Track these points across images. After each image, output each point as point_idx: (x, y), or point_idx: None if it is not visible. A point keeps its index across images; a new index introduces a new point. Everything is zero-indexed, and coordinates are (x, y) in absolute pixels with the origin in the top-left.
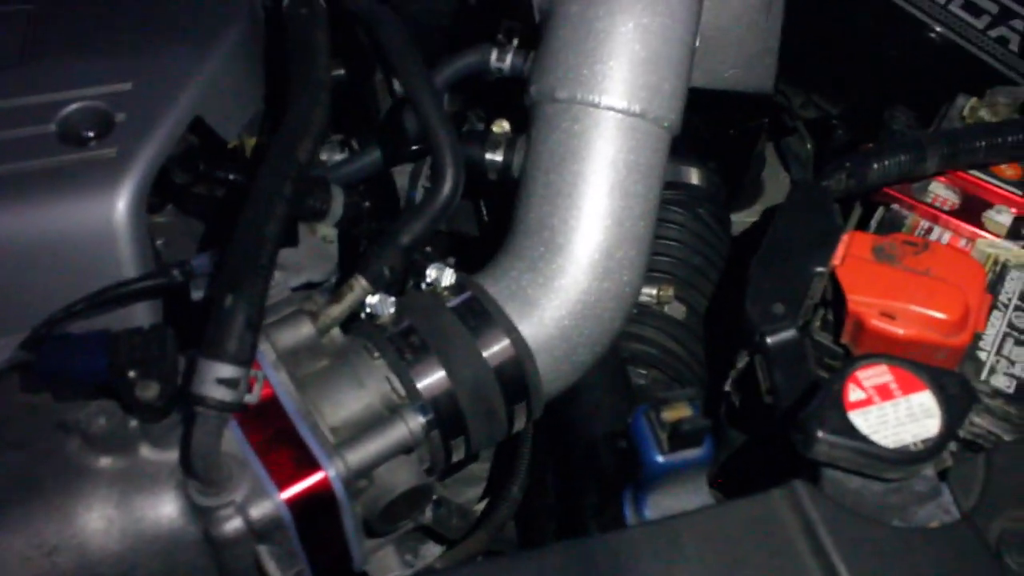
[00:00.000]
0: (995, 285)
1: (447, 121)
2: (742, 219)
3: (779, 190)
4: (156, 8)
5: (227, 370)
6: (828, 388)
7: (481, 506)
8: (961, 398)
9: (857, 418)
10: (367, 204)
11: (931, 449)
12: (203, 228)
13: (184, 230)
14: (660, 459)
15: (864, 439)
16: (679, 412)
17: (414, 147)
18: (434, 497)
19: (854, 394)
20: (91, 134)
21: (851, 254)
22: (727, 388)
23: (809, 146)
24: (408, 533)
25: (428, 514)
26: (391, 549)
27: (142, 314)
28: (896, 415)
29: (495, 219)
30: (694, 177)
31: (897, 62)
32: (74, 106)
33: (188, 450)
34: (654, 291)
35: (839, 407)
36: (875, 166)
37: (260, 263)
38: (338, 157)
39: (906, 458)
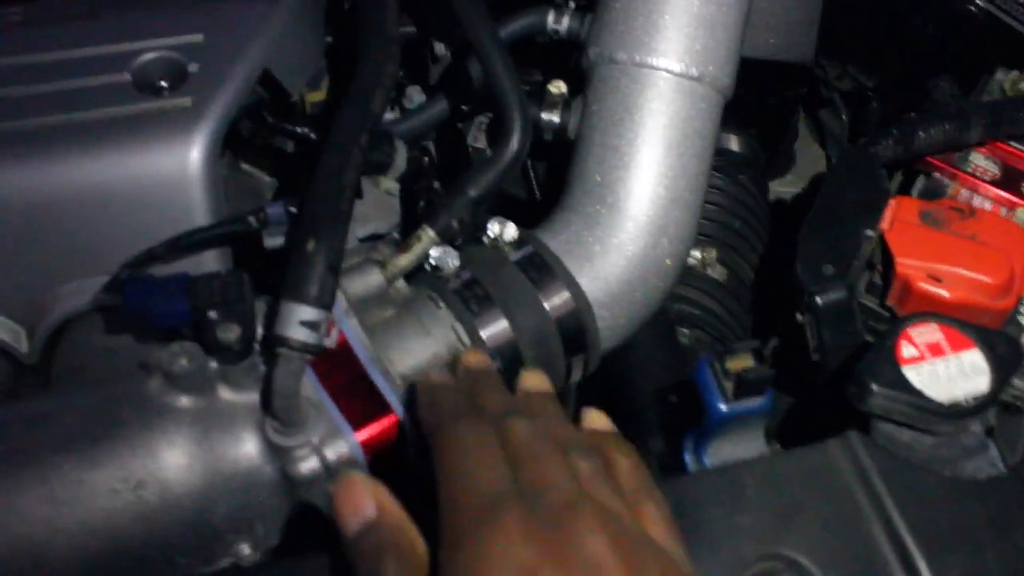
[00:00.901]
0: None
1: (516, 77)
2: (774, 187)
3: (810, 160)
4: None
5: (309, 312)
6: (881, 344)
7: None
8: (1010, 357)
9: (910, 373)
10: (427, 160)
11: (981, 404)
12: (259, 179)
13: (239, 181)
14: (724, 407)
15: (917, 393)
16: (743, 362)
17: (478, 103)
18: None
19: (906, 350)
20: (165, 84)
21: (899, 218)
22: (769, 348)
23: (844, 118)
24: None
25: None
26: None
27: (211, 261)
28: (947, 371)
29: (547, 180)
30: (734, 144)
31: (936, 35)
32: (149, 56)
33: (269, 390)
34: (698, 253)
35: (892, 362)
36: (921, 134)
37: (340, 209)
38: (389, 115)
39: (957, 412)
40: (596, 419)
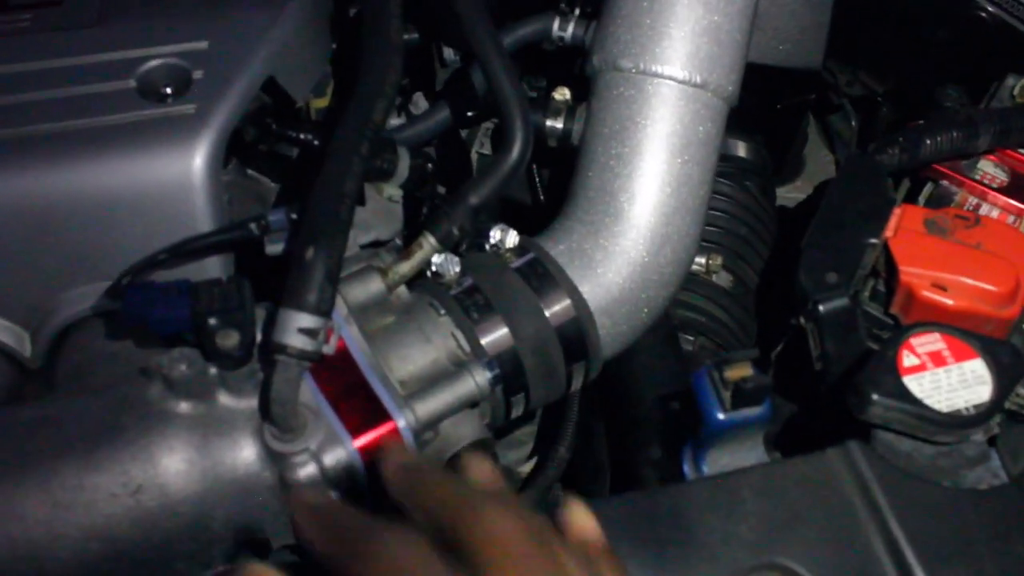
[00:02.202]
0: None
1: (518, 84)
2: (783, 194)
3: (820, 166)
4: None
5: (308, 320)
6: (883, 354)
7: (525, 468)
8: (1012, 366)
9: (911, 383)
10: (431, 166)
11: (983, 414)
12: (265, 185)
13: (245, 187)
14: (721, 416)
15: (918, 403)
16: (741, 371)
17: (481, 110)
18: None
19: (908, 360)
20: (169, 90)
21: (903, 226)
22: (774, 355)
23: (854, 123)
24: None
25: None
26: None
27: (213, 267)
28: (949, 381)
29: (550, 187)
30: (741, 150)
31: (947, 41)
32: (153, 63)
33: (267, 397)
34: (703, 260)
35: (894, 372)
36: (928, 142)
37: (340, 218)
38: (395, 122)
39: (959, 422)
40: (580, 519)
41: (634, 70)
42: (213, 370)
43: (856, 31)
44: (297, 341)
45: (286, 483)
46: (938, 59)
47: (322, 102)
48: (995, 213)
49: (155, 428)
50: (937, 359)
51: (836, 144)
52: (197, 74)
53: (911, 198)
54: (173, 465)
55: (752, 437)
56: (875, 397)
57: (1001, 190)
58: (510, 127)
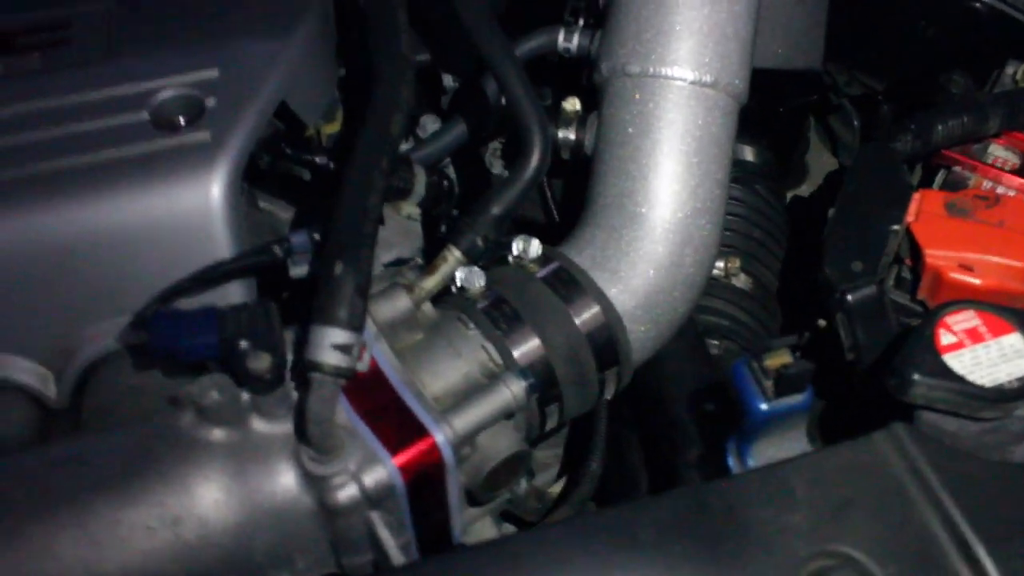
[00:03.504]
0: None
1: (534, 94)
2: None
3: (823, 171)
4: None
5: (341, 335)
6: (919, 334)
7: (556, 487)
8: None
9: (952, 360)
10: (447, 184)
11: None
12: (277, 217)
13: (258, 220)
14: (764, 407)
15: (961, 379)
16: (781, 358)
17: (493, 126)
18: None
19: (945, 338)
20: (183, 120)
21: (924, 211)
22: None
23: (855, 123)
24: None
25: (523, 484)
26: (488, 521)
27: (235, 293)
28: (988, 356)
29: (565, 199)
30: (749, 154)
31: (942, 34)
32: (165, 93)
33: (303, 418)
34: (722, 264)
35: (933, 351)
36: (939, 127)
37: (365, 232)
38: (404, 146)
39: (1003, 395)
40: None
41: (643, 74)
42: (245, 396)
43: (853, 30)
44: (331, 358)
45: (326, 507)
46: (936, 52)
47: (332, 127)
48: (1011, 194)
49: (189, 458)
50: (974, 336)
51: (838, 147)
52: (210, 102)
53: (923, 186)
54: (210, 495)
55: (796, 427)
56: (917, 377)
57: (1015, 172)
58: (528, 136)
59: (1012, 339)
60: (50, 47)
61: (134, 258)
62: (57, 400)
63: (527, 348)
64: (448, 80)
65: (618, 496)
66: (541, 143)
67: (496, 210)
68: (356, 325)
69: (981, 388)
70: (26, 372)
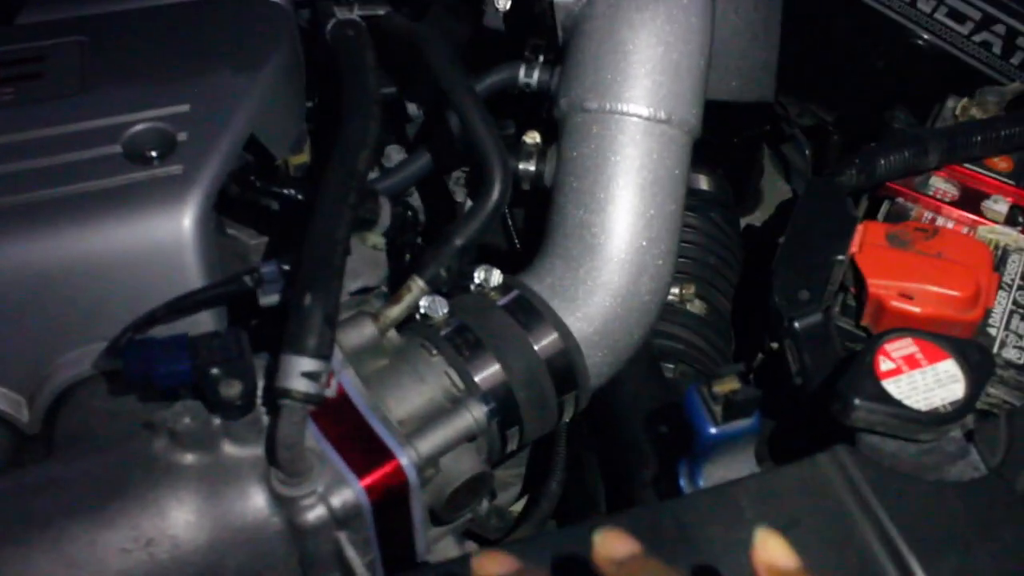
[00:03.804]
0: (998, 267)
1: (494, 130)
2: (745, 224)
3: (777, 197)
4: (204, 33)
5: (310, 364)
6: (860, 360)
7: (516, 506)
8: (982, 364)
9: (890, 385)
10: (411, 214)
11: (959, 410)
12: (244, 243)
13: (225, 245)
14: (713, 430)
15: (898, 404)
16: (730, 385)
17: (456, 157)
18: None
19: (884, 364)
20: (155, 153)
21: (867, 242)
22: (751, 375)
23: (807, 152)
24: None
25: (486, 504)
26: (451, 540)
27: (205, 321)
28: (924, 381)
29: (527, 229)
30: (704, 183)
31: (888, 69)
32: (138, 127)
33: (274, 442)
34: (677, 290)
35: (873, 376)
36: (882, 162)
37: (334, 264)
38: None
39: (938, 419)
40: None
41: (600, 110)
42: (216, 421)
43: (803, 64)
44: (301, 385)
45: (295, 527)
46: (882, 86)
47: (300, 158)
48: (950, 225)
49: (163, 481)
50: (911, 362)
51: (791, 174)
52: (181, 136)
53: (869, 216)
54: (183, 516)
55: (744, 449)
56: (858, 402)
57: (953, 203)
58: (489, 170)
59: (947, 365)
60: (23, 80)
61: (107, 287)
62: (29, 425)
63: (488, 374)
64: (413, 109)
65: (578, 514)
66: (501, 178)
67: (459, 241)
68: (325, 354)
69: (917, 412)
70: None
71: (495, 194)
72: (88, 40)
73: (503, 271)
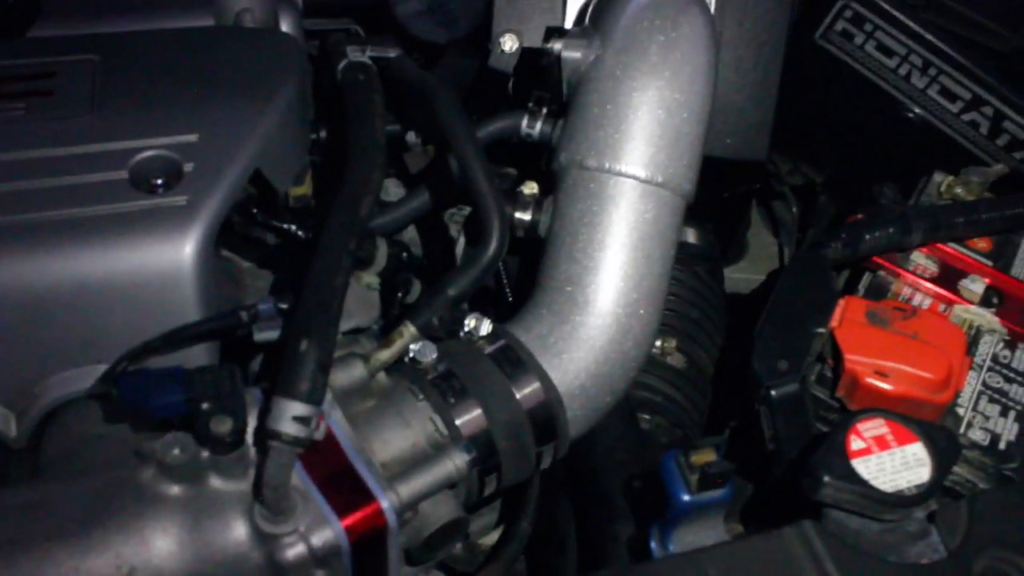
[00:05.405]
0: (970, 348)
1: (495, 184)
2: (729, 274)
3: (762, 249)
4: (215, 61)
5: (301, 408)
6: (832, 438)
7: (487, 538)
8: (949, 449)
9: (859, 465)
10: (405, 255)
11: (924, 494)
12: (238, 265)
13: (219, 267)
14: (687, 498)
15: (865, 484)
16: (706, 456)
17: (454, 197)
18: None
19: (855, 443)
20: (160, 181)
21: (847, 317)
22: (727, 433)
23: (795, 210)
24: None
25: (458, 546)
26: None
27: (200, 352)
28: (892, 463)
29: (518, 273)
30: (691, 237)
31: (879, 137)
32: (145, 154)
33: (260, 480)
34: (659, 343)
35: (843, 455)
36: (867, 237)
37: (331, 311)
38: None
39: (902, 501)
40: None
41: (599, 169)
42: (205, 454)
43: (798, 126)
44: (291, 428)
45: (274, 563)
46: (871, 153)
47: (301, 189)
48: (927, 302)
49: (148, 511)
50: (881, 443)
51: (778, 228)
52: (188, 167)
53: (851, 286)
54: (166, 547)
55: (715, 517)
56: (827, 479)
57: (932, 280)
58: (488, 224)
59: (915, 448)
60: (34, 96)
61: (105, 312)
62: (16, 440)
63: (471, 421)
64: (411, 137)
65: (548, 557)
66: (499, 233)
67: (452, 292)
68: (316, 400)
69: (883, 493)
70: None
71: (492, 248)
72: (100, 59)
73: (498, 313)
